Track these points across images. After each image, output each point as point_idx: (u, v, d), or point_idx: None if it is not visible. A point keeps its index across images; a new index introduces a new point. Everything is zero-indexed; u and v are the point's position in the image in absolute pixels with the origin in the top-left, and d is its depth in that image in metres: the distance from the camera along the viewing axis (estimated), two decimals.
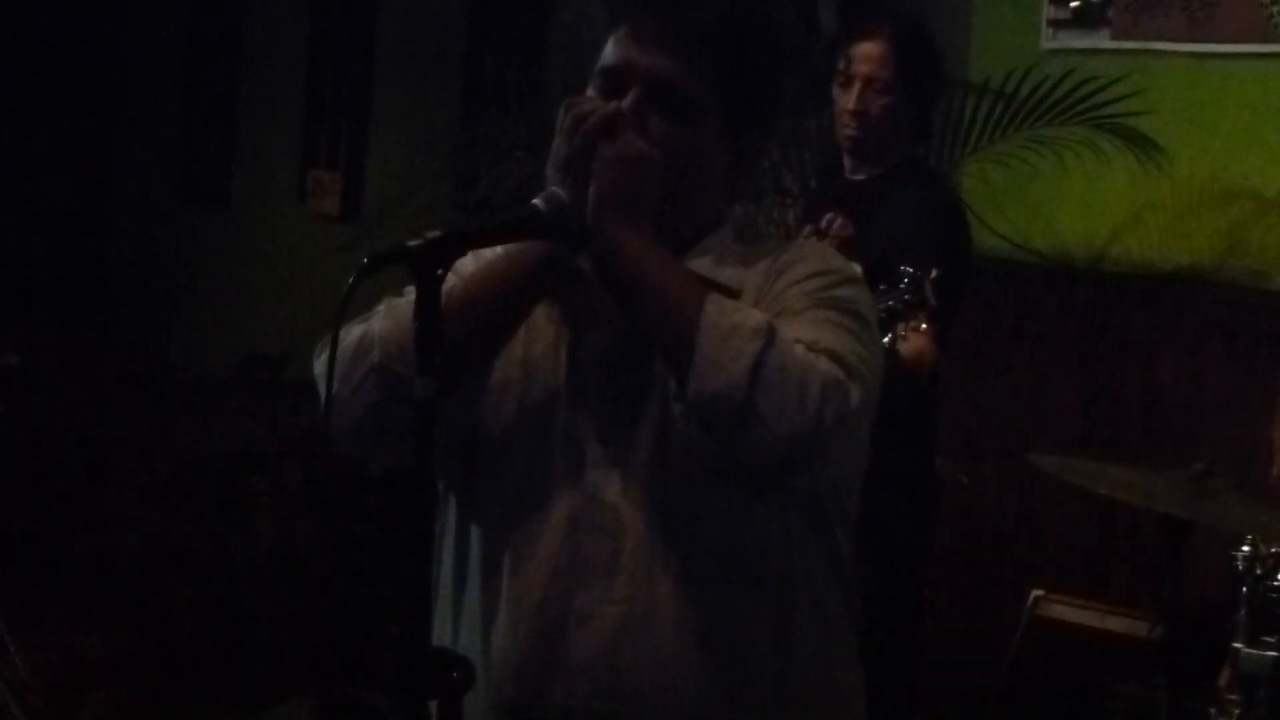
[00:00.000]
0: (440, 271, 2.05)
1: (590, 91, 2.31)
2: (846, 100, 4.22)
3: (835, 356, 2.13)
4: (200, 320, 9.50)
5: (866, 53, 4.22)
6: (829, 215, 4.11)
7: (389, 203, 6.93)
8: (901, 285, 3.53)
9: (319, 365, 2.23)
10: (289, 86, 8.90)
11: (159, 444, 6.53)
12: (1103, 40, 5.46)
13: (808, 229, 4.18)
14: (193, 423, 6.64)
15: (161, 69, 10.05)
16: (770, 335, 2.09)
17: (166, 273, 9.86)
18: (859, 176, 4.30)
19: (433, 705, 2.03)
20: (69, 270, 10.01)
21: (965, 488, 5.01)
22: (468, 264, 2.27)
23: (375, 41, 8.44)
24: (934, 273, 3.52)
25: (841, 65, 4.25)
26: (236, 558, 6.48)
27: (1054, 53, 5.52)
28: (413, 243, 2.04)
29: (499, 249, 2.28)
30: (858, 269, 2.40)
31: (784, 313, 2.22)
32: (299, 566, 6.39)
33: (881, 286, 3.44)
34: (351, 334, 2.22)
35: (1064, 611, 5.01)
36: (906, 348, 3.70)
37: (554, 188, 2.19)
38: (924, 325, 3.48)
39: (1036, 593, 5.19)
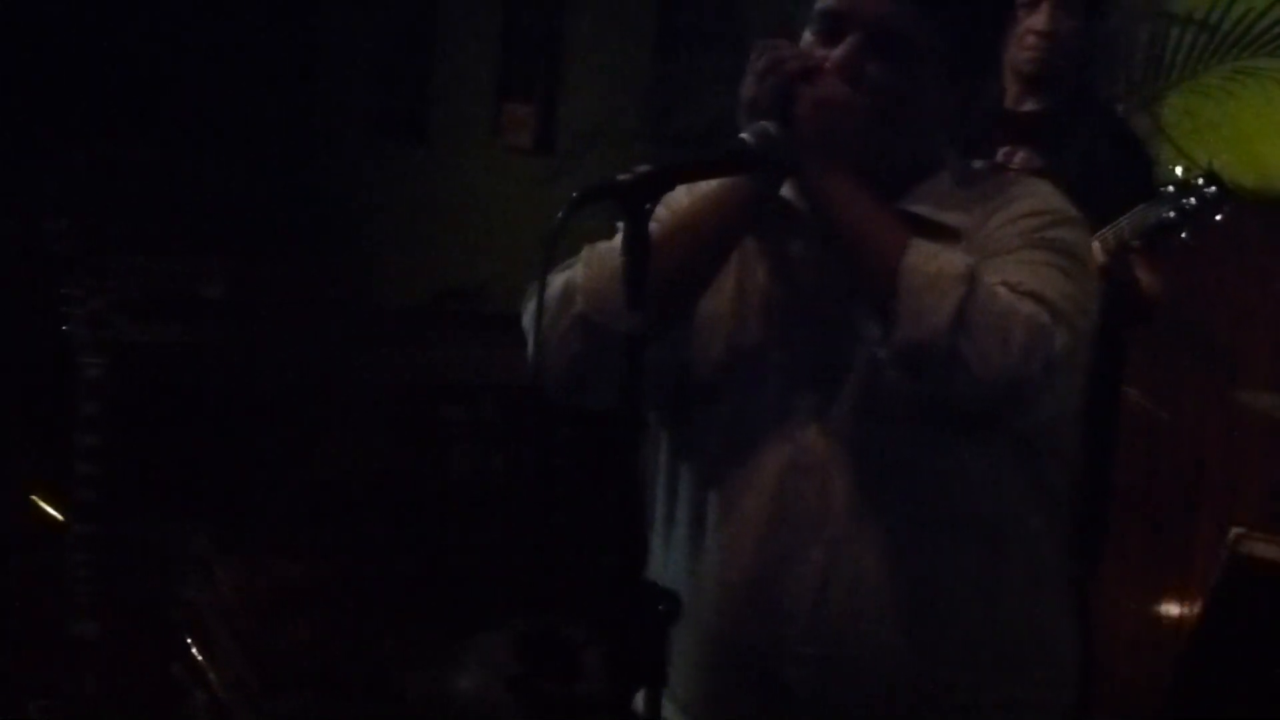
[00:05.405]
0: (648, 206, 2.05)
1: (806, 35, 2.28)
2: (1035, 20, 4.02)
3: (1041, 299, 2.10)
4: (395, 252, 9.59)
5: None
6: (1005, 149, 3.98)
7: (583, 137, 6.93)
8: (1189, 199, 3.43)
9: (526, 316, 2.25)
10: (486, 19, 8.93)
11: (357, 374, 6.60)
12: None
13: (979, 163, 4.07)
14: (388, 354, 6.70)
15: (360, 1, 10.14)
16: (972, 281, 2.07)
17: (363, 205, 9.96)
18: (1027, 108, 4.12)
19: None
20: (269, 202, 10.16)
21: (1166, 424, 4.94)
22: (681, 197, 2.27)
23: None
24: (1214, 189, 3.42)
25: None
26: (431, 488, 6.55)
27: None
28: (622, 177, 2.04)
29: (708, 184, 2.27)
30: (1075, 210, 2.35)
31: (996, 252, 2.19)
32: (494, 498, 6.44)
33: (1162, 189, 3.33)
34: (555, 283, 2.22)
35: (1267, 550, 4.93)
36: (1148, 280, 3.60)
37: (763, 122, 2.17)
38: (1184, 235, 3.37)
39: (1238, 530, 5.11)
